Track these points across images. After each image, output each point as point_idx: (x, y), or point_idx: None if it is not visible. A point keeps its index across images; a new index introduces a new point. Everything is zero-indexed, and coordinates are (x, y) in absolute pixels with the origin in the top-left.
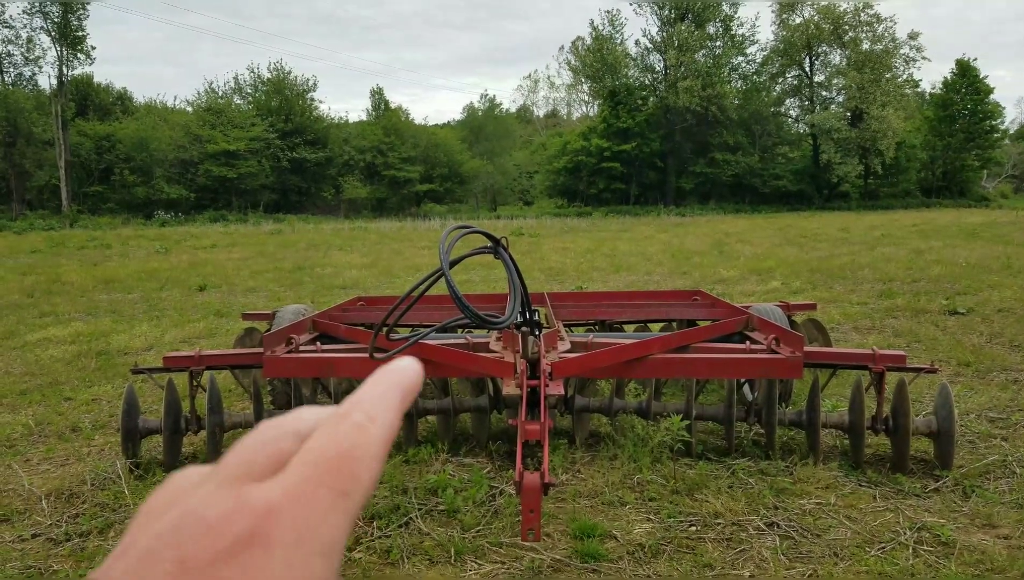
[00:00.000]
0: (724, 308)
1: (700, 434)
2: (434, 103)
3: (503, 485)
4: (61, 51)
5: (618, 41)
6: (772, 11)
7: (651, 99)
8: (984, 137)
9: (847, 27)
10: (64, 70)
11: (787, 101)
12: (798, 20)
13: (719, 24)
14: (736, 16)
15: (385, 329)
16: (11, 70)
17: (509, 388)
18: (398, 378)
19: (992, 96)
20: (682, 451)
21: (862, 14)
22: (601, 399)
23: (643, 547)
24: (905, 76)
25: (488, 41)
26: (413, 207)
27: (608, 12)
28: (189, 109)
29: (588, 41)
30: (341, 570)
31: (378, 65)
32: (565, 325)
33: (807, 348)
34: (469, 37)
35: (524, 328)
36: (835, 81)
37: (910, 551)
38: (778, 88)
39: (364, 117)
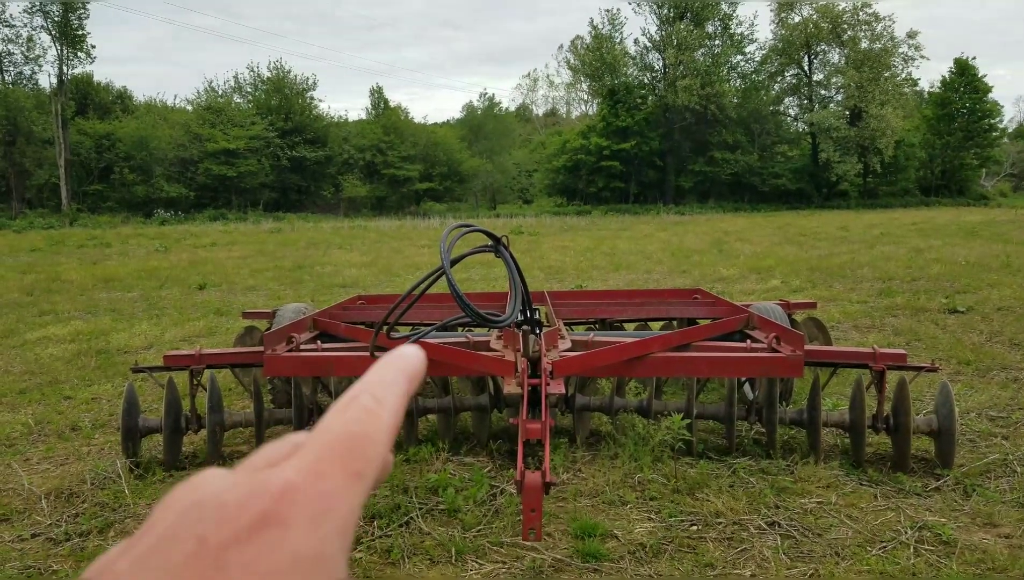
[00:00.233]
0: (724, 307)
1: (701, 433)
2: (433, 102)
3: (504, 484)
4: (61, 50)
5: (617, 40)
6: (771, 10)
7: (650, 98)
8: (983, 136)
9: (846, 26)
10: (64, 69)
11: (786, 100)
12: (797, 19)
13: (718, 23)
14: (735, 15)
15: (386, 327)
16: (11, 69)
17: (510, 387)
18: (404, 363)
19: (991, 95)
20: (683, 450)
21: (861, 13)
22: (602, 398)
23: (644, 546)
24: (904, 75)
25: (488, 40)
26: (413, 206)
27: (608, 11)
28: (189, 108)
29: (587, 40)
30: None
31: (378, 64)
32: (566, 324)
33: (807, 347)
34: (469, 36)
35: (525, 327)
36: (834, 80)
37: (911, 550)
38: (777, 87)
39: (364, 116)
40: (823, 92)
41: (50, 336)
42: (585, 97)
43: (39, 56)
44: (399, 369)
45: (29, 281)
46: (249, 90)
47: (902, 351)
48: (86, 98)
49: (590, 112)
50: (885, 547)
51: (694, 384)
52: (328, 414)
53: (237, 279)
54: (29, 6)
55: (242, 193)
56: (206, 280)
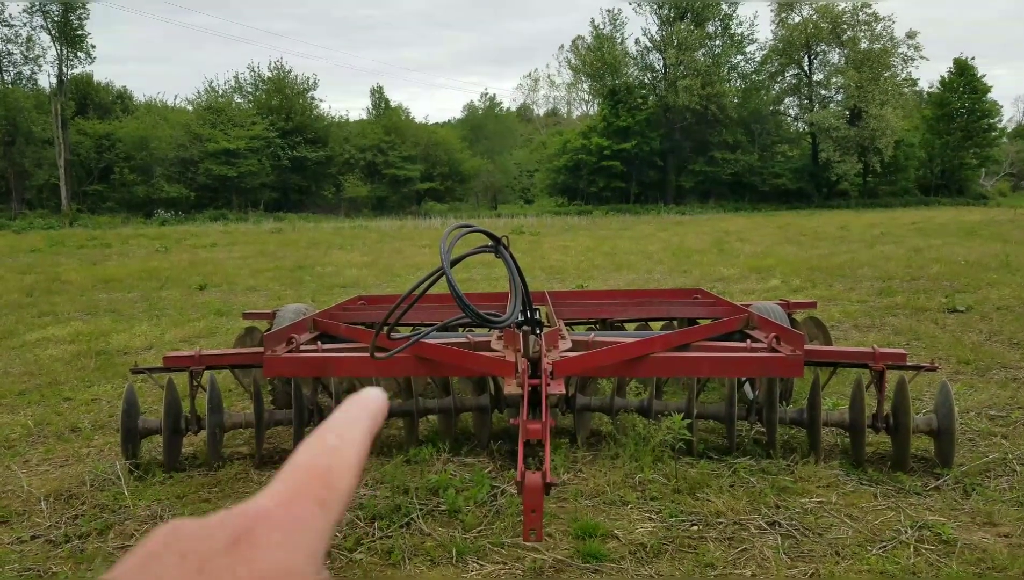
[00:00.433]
0: (725, 306)
1: (701, 433)
2: (434, 102)
3: (505, 485)
4: (61, 50)
5: (618, 40)
6: (771, 10)
7: (651, 98)
8: (982, 135)
9: (845, 26)
10: (64, 69)
11: (786, 100)
12: (797, 19)
13: (718, 23)
14: (735, 15)
15: (386, 328)
16: (11, 69)
17: (510, 387)
18: (366, 405)
19: (990, 95)
20: (683, 450)
21: (860, 13)
22: (602, 398)
23: (645, 547)
24: (903, 75)
25: (488, 40)
26: (413, 206)
27: (609, 11)
28: (189, 108)
29: (588, 40)
30: (342, 571)
31: (378, 64)
32: (566, 324)
33: (807, 346)
34: (469, 36)
35: (525, 327)
36: (834, 80)
37: (911, 550)
38: (777, 87)
39: (364, 116)
40: (823, 92)
41: (50, 337)
42: (586, 97)
43: (39, 56)
44: (362, 409)
45: (29, 282)
46: (250, 90)
47: (902, 351)
48: (86, 98)
49: (591, 112)
50: (885, 546)
51: (694, 384)
52: (296, 451)
53: (237, 280)
54: (29, 6)
55: (243, 193)
56: (206, 281)
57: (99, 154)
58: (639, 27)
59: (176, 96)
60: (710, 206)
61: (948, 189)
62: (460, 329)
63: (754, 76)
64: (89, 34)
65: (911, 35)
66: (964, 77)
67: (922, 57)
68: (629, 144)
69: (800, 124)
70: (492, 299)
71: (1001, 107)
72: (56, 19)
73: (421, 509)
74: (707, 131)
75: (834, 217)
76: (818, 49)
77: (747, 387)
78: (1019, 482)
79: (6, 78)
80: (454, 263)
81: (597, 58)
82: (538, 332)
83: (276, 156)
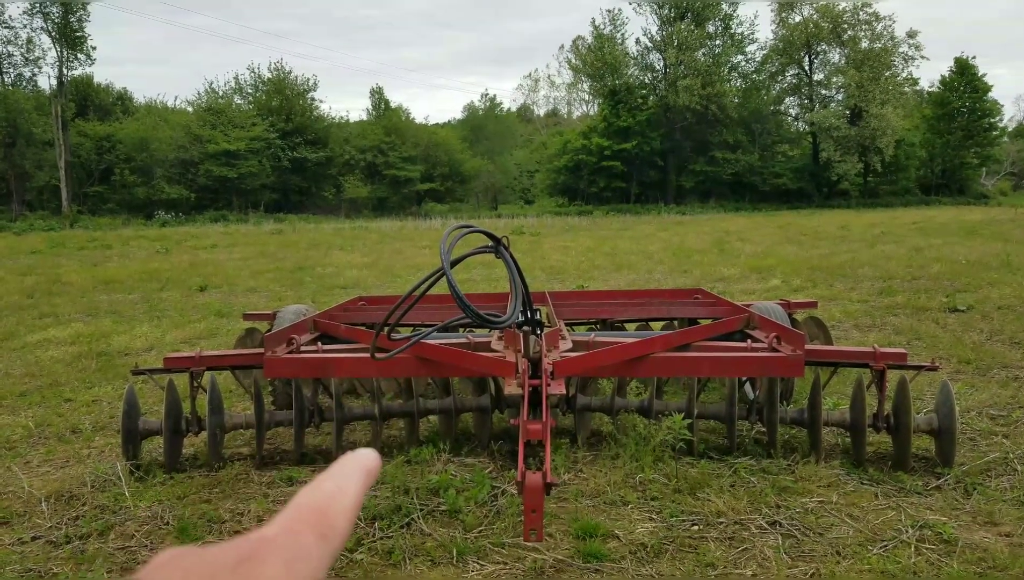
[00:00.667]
0: (725, 306)
1: (702, 433)
2: (435, 102)
3: (505, 485)
4: (61, 52)
5: (618, 40)
6: (771, 10)
7: (651, 98)
8: (983, 135)
9: (846, 26)
10: (64, 71)
11: (787, 100)
12: (797, 19)
13: (718, 23)
14: (735, 15)
15: (386, 329)
16: (11, 71)
17: (511, 387)
18: (362, 462)
19: (990, 94)
20: (684, 450)
21: (861, 13)
22: (603, 398)
23: (645, 547)
24: (904, 74)
25: (489, 40)
26: (414, 206)
27: (609, 11)
28: (189, 109)
29: (589, 40)
30: (343, 572)
31: (378, 64)
32: (567, 324)
33: (808, 346)
34: (469, 36)
35: (526, 327)
36: (834, 79)
37: (912, 549)
38: (777, 87)
39: (364, 117)
40: (823, 92)
41: (50, 338)
42: (586, 97)
43: (39, 58)
44: (357, 466)
45: (29, 283)
46: (250, 91)
47: (902, 350)
48: (86, 100)
49: (591, 112)
50: (886, 546)
51: (695, 384)
52: (298, 494)
53: (238, 281)
54: (29, 8)
55: (243, 194)
56: (207, 282)
57: (99, 156)
58: (639, 27)
59: (176, 97)
60: (710, 206)
61: (949, 189)
62: (460, 329)
63: (754, 76)
64: (89, 36)
65: (912, 34)
66: (965, 76)
67: (923, 57)
68: (629, 144)
69: (800, 124)
70: (492, 299)
71: (1002, 106)
72: (56, 21)
73: (422, 509)
74: (707, 131)
75: (835, 217)
76: (818, 49)
77: (748, 387)
78: (1020, 481)
79: (6, 80)
80: (454, 263)
81: (597, 58)
82: (538, 332)
83: (276, 157)
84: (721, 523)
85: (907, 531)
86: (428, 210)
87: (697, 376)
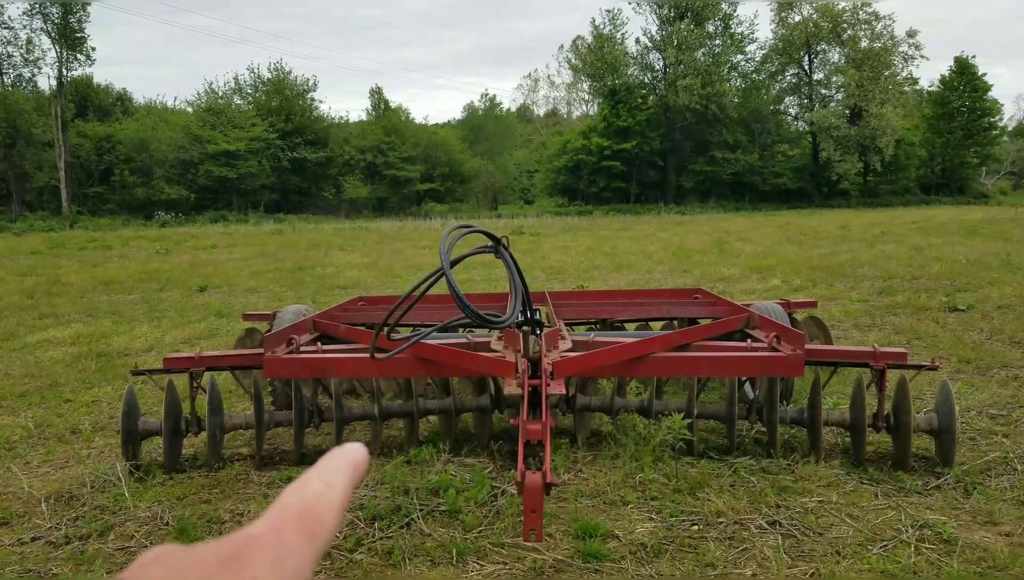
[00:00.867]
0: (725, 306)
1: (702, 433)
2: (434, 102)
3: (505, 485)
4: (61, 52)
5: (618, 40)
6: (771, 9)
7: (651, 98)
8: (983, 134)
9: (846, 25)
10: (64, 71)
11: (786, 99)
12: (797, 18)
13: (718, 22)
14: (735, 15)
15: (386, 329)
16: (10, 71)
17: (510, 387)
18: (349, 458)
19: (990, 93)
20: (684, 450)
21: (861, 12)
22: (602, 398)
23: (645, 547)
24: (904, 74)
25: (488, 40)
26: (414, 207)
27: (609, 11)
28: (189, 109)
29: (588, 40)
30: (342, 572)
31: (378, 64)
32: (566, 324)
33: (808, 346)
34: (469, 36)
35: (525, 327)
36: (834, 79)
37: (912, 549)
38: (777, 86)
39: (364, 117)
40: (823, 91)
41: (50, 339)
42: (586, 97)
43: (39, 58)
44: (345, 460)
45: (29, 284)
46: (249, 91)
47: (902, 350)
48: (86, 100)
49: (591, 112)
50: (886, 546)
51: (695, 384)
52: (284, 491)
53: (238, 281)
54: (29, 8)
55: (243, 195)
56: (207, 282)
57: (99, 156)
58: (639, 27)
59: (176, 98)
60: (710, 206)
61: (949, 188)
62: (460, 329)
63: (754, 75)
64: (89, 36)
65: (911, 34)
66: (965, 76)
67: (922, 56)
68: (629, 144)
69: (800, 123)
70: (492, 299)
71: (1002, 106)
72: (56, 21)
73: (421, 509)
74: (707, 131)
75: (835, 216)
76: (818, 48)
77: (747, 387)
78: (1020, 481)
79: (6, 80)
80: (454, 264)
81: (597, 58)
82: (538, 332)
83: (276, 157)
84: (721, 523)
85: (907, 531)
86: (428, 210)
87: (697, 376)
